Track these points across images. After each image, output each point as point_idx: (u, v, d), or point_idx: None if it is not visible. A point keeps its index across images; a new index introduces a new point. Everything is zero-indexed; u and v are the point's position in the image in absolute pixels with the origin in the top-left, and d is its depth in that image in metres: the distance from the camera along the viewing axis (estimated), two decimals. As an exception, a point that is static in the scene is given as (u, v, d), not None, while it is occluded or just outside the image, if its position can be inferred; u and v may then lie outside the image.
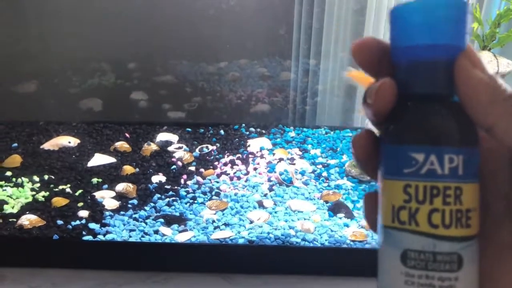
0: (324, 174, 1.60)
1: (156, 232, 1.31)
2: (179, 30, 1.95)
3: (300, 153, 1.75)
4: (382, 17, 1.80)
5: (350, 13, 1.84)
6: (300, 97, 2.03)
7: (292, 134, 1.90)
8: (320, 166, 1.66)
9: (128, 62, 2.04)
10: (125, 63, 2.03)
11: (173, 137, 1.82)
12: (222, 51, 2.03)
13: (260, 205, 1.43)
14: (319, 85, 2.00)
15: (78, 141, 1.77)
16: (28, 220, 1.31)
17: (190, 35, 1.95)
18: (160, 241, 1.28)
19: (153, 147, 1.73)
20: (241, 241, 1.27)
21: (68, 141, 1.75)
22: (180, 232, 1.31)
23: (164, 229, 1.31)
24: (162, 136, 1.82)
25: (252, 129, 1.92)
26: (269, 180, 1.57)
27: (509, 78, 1.41)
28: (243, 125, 1.94)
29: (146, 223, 1.34)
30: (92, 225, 1.31)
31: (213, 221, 1.34)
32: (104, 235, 1.28)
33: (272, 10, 1.95)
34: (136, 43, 1.96)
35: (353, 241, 1.27)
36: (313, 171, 1.63)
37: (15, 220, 1.32)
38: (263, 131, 1.91)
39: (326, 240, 1.27)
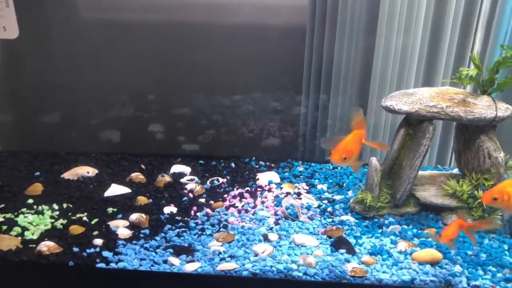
0: (329, 209, 1.65)
1: (165, 261, 1.38)
2: (197, 63, 2.04)
3: (307, 187, 1.81)
4: (389, 58, 1.87)
5: (360, 53, 1.92)
6: (310, 132, 2.10)
7: (300, 168, 1.96)
8: (325, 201, 1.71)
9: (147, 95, 2.14)
10: (144, 96, 2.14)
11: (186, 169, 1.91)
12: (238, 85, 2.11)
13: (266, 238, 1.49)
14: (329, 119, 2.06)
15: (96, 171, 1.86)
16: (47, 246, 1.40)
17: (207, 70, 2.05)
18: (168, 270, 1.34)
19: (167, 178, 1.82)
20: (245, 273, 1.33)
21: (87, 171, 1.85)
22: (188, 262, 1.37)
23: (173, 259, 1.38)
24: (176, 168, 1.91)
25: (261, 162, 2.00)
26: (276, 214, 1.63)
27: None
28: (253, 158, 2.02)
29: (156, 253, 1.41)
30: (105, 253, 1.39)
31: (220, 253, 1.41)
32: (116, 263, 1.36)
33: (285, 48, 2.04)
34: (156, 77, 2.06)
35: (353, 276, 1.32)
36: (319, 206, 1.68)
37: (34, 246, 1.41)
38: (272, 165, 1.98)
39: (327, 275, 1.32)
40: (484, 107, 1.44)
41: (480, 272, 1.35)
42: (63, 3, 1.96)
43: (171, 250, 1.42)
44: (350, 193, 1.76)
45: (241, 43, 2.01)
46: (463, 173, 1.58)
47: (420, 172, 1.66)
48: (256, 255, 1.41)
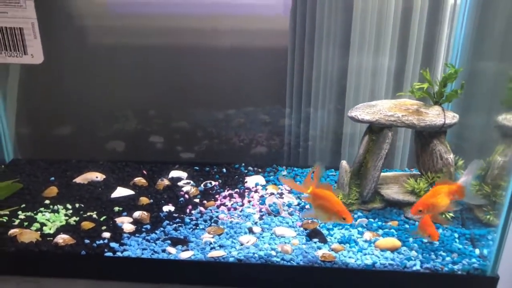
0: (307, 206, 1.89)
1: (164, 251, 1.61)
2: (195, 82, 2.28)
3: (289, 188, 2.04)
4: (361, 80, 2.12)
5: (335, 71, 2.17)
6: (295, 141, 2.34)
7: (284, 172, 2.20)
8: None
9: (149, 110, 2.38)
10: (146, 111, 2.38)
11: (183, 174, 2.15)
12: (230, 101, 2.36)
13: (250, 231, 1.72)
14: (310, 130, 2.29)
15: (104, 176, 2.11)
16: (62, 239, 1.64)
17: (203, 88, 2.29)
18: (166, 258, 1.58)
19: (166, 182, 2.06)
20: (231, 259, 1.56)
21: (96, 176, 2.09)
22: (183, 251, 1.61)
23: (170, 249, 1.61)
24: (174, 173, 2.15)
25: (250, 168, 2.24)
26: (260, 211, 1.86)
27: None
28: (243, 164, 2.26)
29: (156, 244, 1.64)
30: (112, 244, 1.62)
31: (210, 243, 1.64)
32: (122, 252, 1.59)
33: (272, 67, 2.28)
34: (157, 94, 2.30)
35: (323, 261, 1.55)
36: (298, 204, 1.92)
37: (51, 239, 1.65)
38: (259, 170, 2.22)
39: (301, 260, 1.56)
40: (434, 116, 1.69)
41: (433, 256, 1.58)
42: (79, 31, 2.21)
43: (169, 241, 1.65)
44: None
45: (234, 64, 2.25)
46: (421, 173, 1.82)
47: (386, 173, 1.91)
48: (241, 244, 1.64)
